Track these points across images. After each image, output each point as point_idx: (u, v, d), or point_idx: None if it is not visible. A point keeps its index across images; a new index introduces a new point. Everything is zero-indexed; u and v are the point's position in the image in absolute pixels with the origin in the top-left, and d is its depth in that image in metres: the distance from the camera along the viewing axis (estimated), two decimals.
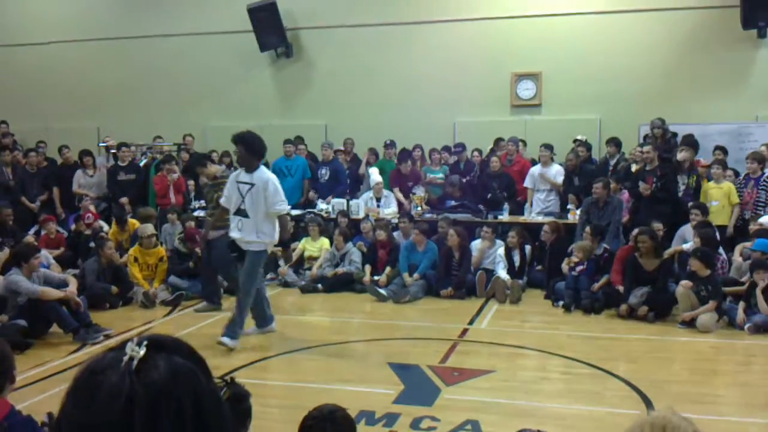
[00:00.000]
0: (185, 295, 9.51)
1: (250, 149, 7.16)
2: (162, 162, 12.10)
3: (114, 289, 9.30)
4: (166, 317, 8.88)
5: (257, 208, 7.07)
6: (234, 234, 7.24)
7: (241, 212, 7.14)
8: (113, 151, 12.82)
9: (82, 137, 14.14)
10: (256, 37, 13.90)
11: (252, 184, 7.07)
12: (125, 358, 1.06)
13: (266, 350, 7.28)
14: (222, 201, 7.48)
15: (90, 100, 15.13)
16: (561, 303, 8.98)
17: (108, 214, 11.84)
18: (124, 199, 11.91)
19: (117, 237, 10.60)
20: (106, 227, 10.93)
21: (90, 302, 8.45)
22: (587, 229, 9.51)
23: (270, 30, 13.86)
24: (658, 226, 9.25)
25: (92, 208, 11.52)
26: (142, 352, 1.06)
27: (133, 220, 10.87)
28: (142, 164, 12.80)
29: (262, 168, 7.27)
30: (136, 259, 9.72)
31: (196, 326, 8.33)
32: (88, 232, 10.75)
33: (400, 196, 11.64)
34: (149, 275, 9.74)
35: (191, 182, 12.37)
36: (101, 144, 14.05)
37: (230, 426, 1.17)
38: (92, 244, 10.03)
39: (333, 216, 11.23)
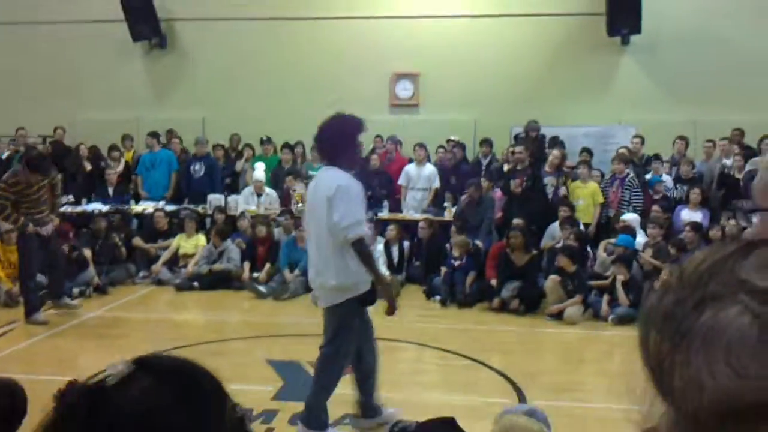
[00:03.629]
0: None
1: None
2: (25, 154, 11.46)
3: None
4: None
5: None
6: None
7: None
8: None
9: None
10: (129, 27, 13.41)
11: None
12: (105, 375, 0.96)
13: (138, 351, 6.94)
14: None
15: None
16: (438, 298, 9.20)
17: None
18: None
19: None
20: None
21: None
22: (453, 227, 9.81)
23: (143, 20, 13.43)
24: (518, 221, 9.57)
25: None
26: (123, 369, 0.96)
27: None
28: (4, 157, 12.07)
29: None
30: None
31: (64, 326, 7.94)
32: None
33: None
34: (13, 273, 9.17)
35: (59, 175, 11.76)
36: None
37: None
38: None
39: (210, 212, 11.00)
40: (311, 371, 6.33)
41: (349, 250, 4.60)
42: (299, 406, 5.47)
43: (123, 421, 0.91)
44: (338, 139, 4.78)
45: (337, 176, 4.74)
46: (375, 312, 8.38)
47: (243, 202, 11.22)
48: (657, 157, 11.12)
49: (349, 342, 4.88)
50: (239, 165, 12.22)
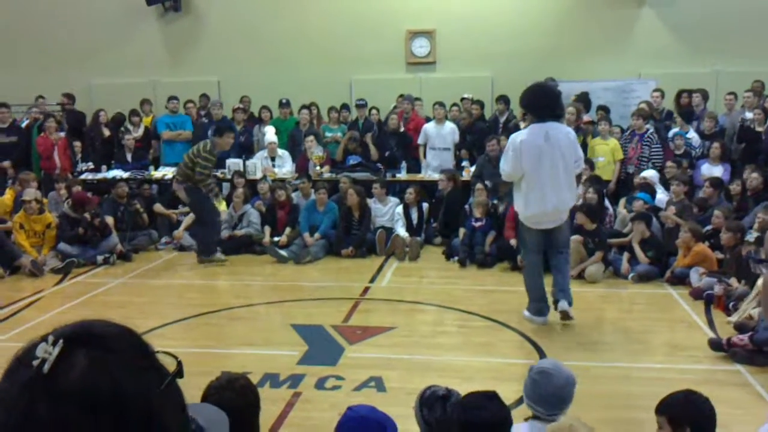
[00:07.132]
0: (76, 263, 9.20)
1: None
2: (44, 122, 11.56)
3: None
4: (57, 286, 8.56)
5: None
6: None
7: None
8: None
9: None
10: None
11: None
12: (35, 363, 0.89)
13: (164, 317, 7.15)
14: None
15: None
16: (456, 258, 9.23)
17: None
18: (6, 163, 11.30)
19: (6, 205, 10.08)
20: None
21: None
22: (478, 185, 9.79)
23: None
24: None
25: None
26: (56, 351, 0.89)
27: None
28: (23, 125, 12.15)
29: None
30: (21, 226, 9.29)
31: (90, 294, 8.08)
32: None
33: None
34: (37, 242, 9.35)
35: (77, 143, 11.86)
36: None
37: None
38: None
39: (229, 177, 11.04)
40: (335, 335, 6.45)
41: None
42: (324, 371, 5.59)
43: (74, 402, 0.88)
44: (559, 101, 6.66)
45: (569, 128, 6.97)
46: (397, 273, 8.40)
47: (259, 166, 11.24)
48: (690, 111, 10.89)
49: None
50: (256, 129, 12.16)
